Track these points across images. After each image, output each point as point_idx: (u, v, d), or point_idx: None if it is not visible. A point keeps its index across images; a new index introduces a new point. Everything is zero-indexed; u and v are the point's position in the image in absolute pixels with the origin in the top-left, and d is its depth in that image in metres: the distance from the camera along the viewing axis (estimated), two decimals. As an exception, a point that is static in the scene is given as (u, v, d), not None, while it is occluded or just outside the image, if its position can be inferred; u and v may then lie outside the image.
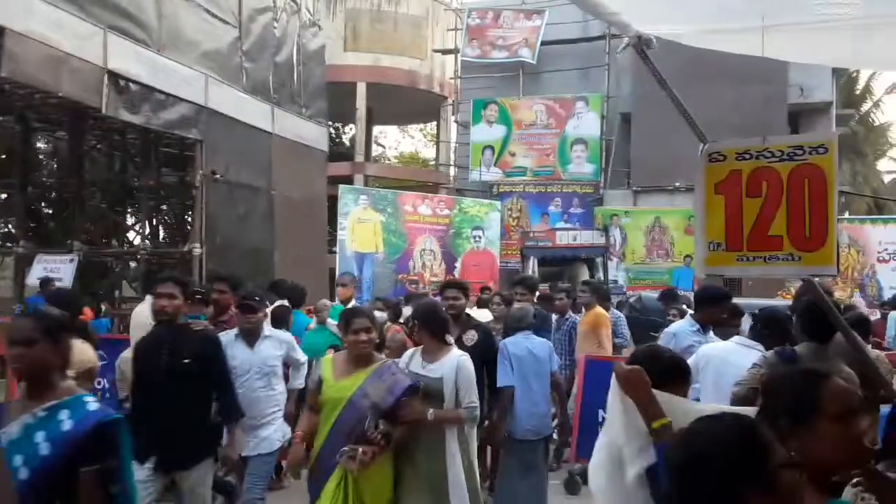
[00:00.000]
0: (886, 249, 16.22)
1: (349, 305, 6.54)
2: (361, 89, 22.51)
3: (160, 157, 13.78)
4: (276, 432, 4.59)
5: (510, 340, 5.13)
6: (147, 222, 15.04)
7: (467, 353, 3.94)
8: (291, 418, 4.73)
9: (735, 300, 5.44)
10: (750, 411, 1.87)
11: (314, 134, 16.15)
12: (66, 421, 2.25)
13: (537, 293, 7.19)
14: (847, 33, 2.51)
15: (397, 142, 45.45)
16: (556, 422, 5.60)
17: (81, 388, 2.50)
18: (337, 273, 12.50)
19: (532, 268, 14.98)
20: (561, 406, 5.68)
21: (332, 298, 8.20)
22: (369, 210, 15.22)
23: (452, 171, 23.77)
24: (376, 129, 30.99)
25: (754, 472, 1.49)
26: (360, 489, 3.42)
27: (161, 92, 11.26)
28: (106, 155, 15.52)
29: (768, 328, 3.97)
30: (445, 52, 22.99)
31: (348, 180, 20.47)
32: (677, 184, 16.86)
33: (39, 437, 2.22)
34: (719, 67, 13.46)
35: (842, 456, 1.74)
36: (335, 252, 15.34)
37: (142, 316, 6.13)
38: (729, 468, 1.50)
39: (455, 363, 3.78)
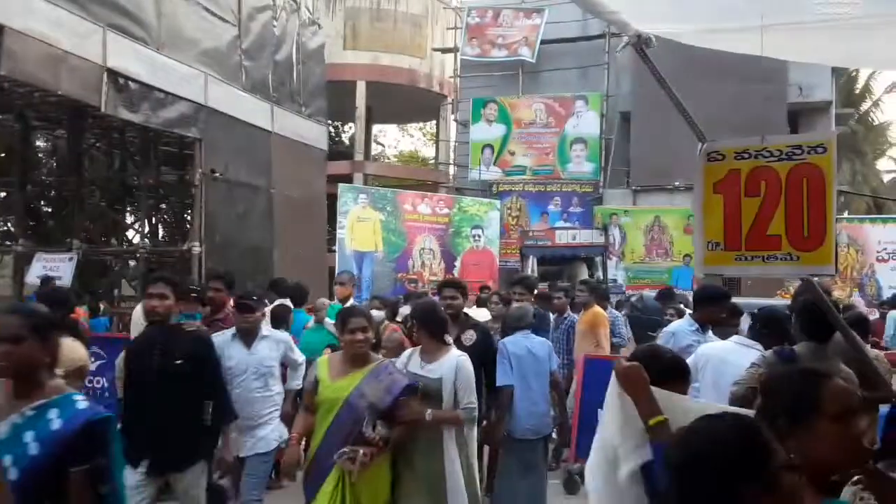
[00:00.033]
0: (885, 249, 16.22)
1: (347, 304, 6.52)
2: (361, 88, 22.50)
3: (159, 155, 13.75)
4: (272, 432, 4.55)
5: (509, 340, 5.13)
6: (146, 221, 15.01)
7: (466, 354, 3.91)
8: (288, 419, 4.70)
9: (734, 299, 5.44)
10: (751, 413, 1.88)
11: (314, 132, 16.14)
12: (55, 420, 2.21)
13: (535, 292, 7.19)
14: (846, 32, 2.50)
15: (397, 140, 45.44)
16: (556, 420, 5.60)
17: (72, 386, 2.48)
18: (336, 272, 12.48)
19: (531, 267, 14.99)
20: (560, 406, 5.69)
21: (331, 297, 8.19)
22: (369, 209, 15.21)
23: (452, 169, 23.76)
24: (376, 128, 30.98)
25: (754, 472, 1.50)
26: (358, 491, 3.40)
27: (160, 90, 11.25)
28: (105, 153, 15.50)
29: (767, 327, 3.97)
30: (445, 50, 22.98)
31: (348, 179, 20.46)
32: (677, 183, 16.86)
33: (28, 436, 2.19)
34: (719, 66, 13.44)
35: (840, 456, 1.75)
36: (335, 251, 15.33)
37: (142, 315, 6.15)
38: (728, 468, 1.50)
39: (454, 363, 3.75)
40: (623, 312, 9.04)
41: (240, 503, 4.60)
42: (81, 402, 2.29)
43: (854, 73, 25.13)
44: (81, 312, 7.89)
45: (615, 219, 17.19)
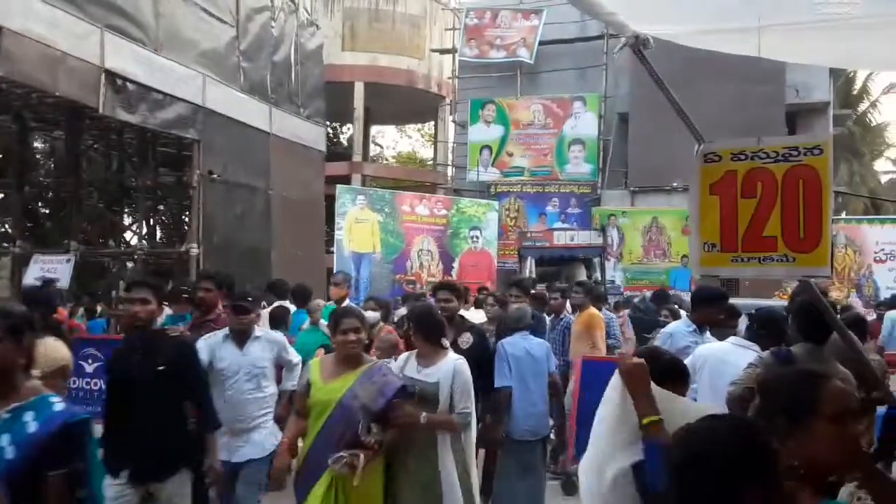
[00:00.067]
0: (883, 249, 16.23)
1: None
2: (359, 89, 22.51)
3: (157, 156, 13.76)
4: (267, 436, 4.41)
5: (508, 341, 5.13)
6: (144, 222, 15.02)
7: (464, 357, 3.85)
8: (282, 421, 4.55)
9: (732, 300, 5.44)
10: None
11: (312, 134, 16.15)
12: (31, 423, 2.15)
13: (531, 294, 7.18)
14: (844, 33, 2.50)
15: (395, 141, 45.39)
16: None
17: (55, 386, 2.44)
18: (334, 273, 12.47)
19: (529, 268, 14.97)
20: (558, 407, 5.68)
21: (328, 298, 8.18)
22: (367, 210, 15.19)
23: (450, 171, 23.77)
24: (374, 129, 30.99)
25: (753, 473, 1.50)
26: (350, 494, 3.33)
27: (158, 91, 11.26)
28: (103, 155, 15.51)
29: (764, 328, 3.96)
30: (443, 51, 22.99)
31: (346, 180, 20.46)
32: (675, 184, 16.86)
33: (4, 440, 2.13)
34: (717, 67, 13.45)
35: (838, 457, 1.75)
36: (333, 252, 15.32)
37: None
38: (728, 468, 1.51)
39: (452, 368, 3.69)
40: (626, 313, 9.07)
41: None
42: (58, 404, 2.23)
43: (852, 74, 25.17)
44: (63, 312, 7.84)
45: (613, 220, 17.19)
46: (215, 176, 12.38)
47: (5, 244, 15.31)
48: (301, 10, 15.80)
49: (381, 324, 6.01)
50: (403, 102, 24.86)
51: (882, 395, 3.38)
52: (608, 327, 7.47)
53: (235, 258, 12.29)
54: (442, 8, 24.05)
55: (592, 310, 7.25)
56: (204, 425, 3.78)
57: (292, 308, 7.26)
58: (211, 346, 4.36)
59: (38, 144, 17.10)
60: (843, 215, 20.48)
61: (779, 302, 8.37)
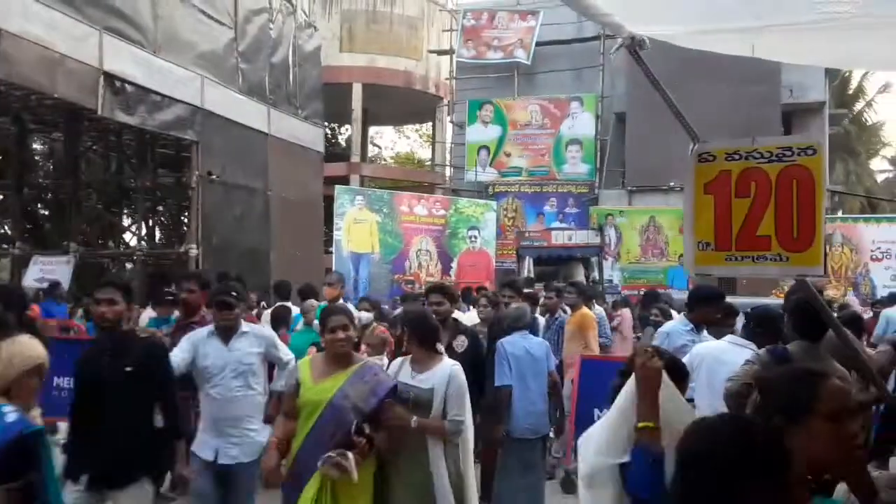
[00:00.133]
0: (879, 248, 16.27)
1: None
2: (357, 90, 22.52)
3: (156, 158, 13.76)
4: (258, 436, 4.16)
5: (507, 340, 5.14)
6: (143, 223, 15.03)
7: (459, 363, 3.74)
8: (273, 423, 4.28)
9: (729, 299, 5.47)
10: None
11: (310, 135, 16.16)
12: None
13: (523, 294, 7.22)
14: (840, 34, 2.51)
15: (393, 142, 45.54)
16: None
17: (32, 385, 2.36)
18: (333, 273, 12.49)
19: (528, 268, 15.01)
20: (559, 405, 5.71)
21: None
22: (365, 210, 15.21)
23: (448, 171, 23.78)
24: (372, 130, 30.99)
25: (753, 472, 1.52)
26: (340, 496, 3.26)
27: (157, 93, 11.27)
28: (102, 156, 15.51)
29: (761, 326, 4.00)
30: (441, 52, 23.01)
31: (344, 181, 20.47)
32: (672, 183, 16.88)
33: None
34: (713, 68, 13.50)
35: (834, 455, 1.77)
36: (331, 252, 15.34)
37: (141, 323, 6.14)
38: (727, 467, 1.52)
39: (447, 373, 3.58)
40: (625, 311, 9.11)
41: None
42: (11, 415, 2.15)
43: (847, 74, 25.24)
44: (37, 310, 7.80)
45: (611, 219, 17.22)
46: (214, 177, 12.39)
47: (5, 246, 15.32)
48: (299, 11, 15.82)
49: (374, 324, 5.98)
50: (401, 103, 24.87)
51: (879, 393, 3.40)
52: (599, 326, 7.53)
53: (234, 259, 12.29)
54: (439, 9, 24.06)
55: (585, 310, 7.31)
56: (169, 431, 3.60)
57: (295, 309, 7.27)
58: (194, 342, 4.18)
59: (37, 146, 17.10)
60: (840, 214, 20.52)
61: (776, 300, 8.40)
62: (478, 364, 4.78)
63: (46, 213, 17.40)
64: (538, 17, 19.91)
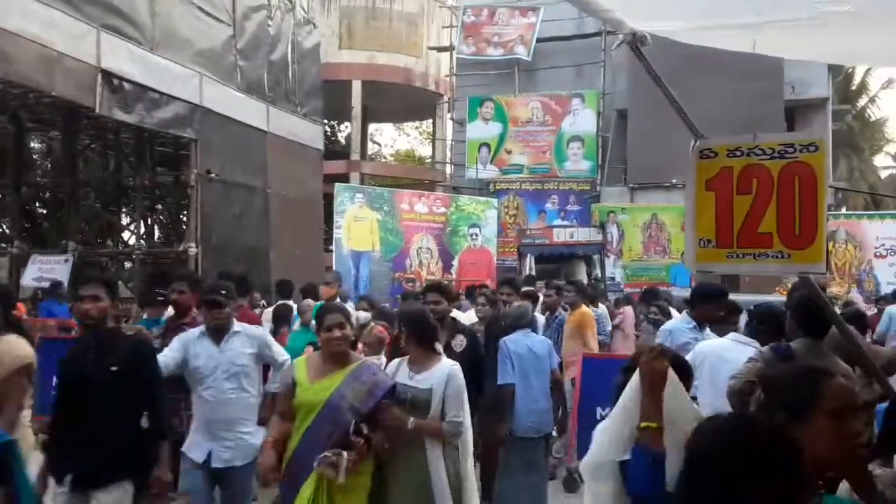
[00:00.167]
0: (883, 245, 16.26)
1: (334, 304, 6.35)
2: (357, 87, 22.50)
3: (155, 156, 13.74)
4: (252, 439, 4.08)
5: (510, 338, 5.13)
6: (142, 222, 14.99)
7: (458, 363, 3.69)
8: (267, 424, 4.22)
9: (732, 296, 5.44)
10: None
11: (310, 132, 16.12)
12: None
13: (521, 291, 7.21)
14: (843, 30, 2.50)
15: (393, 140, 45.46)
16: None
17: (20, 384, 2.31)
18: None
19: (529, 265, 14.98)
20: (561, 404, 5.69)
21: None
22: (365, 208, 15.19)
23: (449, 168, 23.76)
24: (372, 127, 31.00)
25: (756, 472, 1.50)
26: (336, 496, 3.24)
27: (155, 91, 11.23)
28: (100, 154, 15.48)
29: (764, 324, 3.97)
30: (441, 49, 22.98)
31: (344, 178, 20.46)
32: (674, 180, 16.84)
33: None
34: (715, 64, 13.44)
35: (837, 452, 1.75)
36: (331, 250, 15.32)
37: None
38: (728, 467, 1.51)
39: (446, 373, 3.53)
40: (627, 309, 9.11)
41: None
42: None
43: (850, 70, 25.19)
44: (23, 308, 7.77)
45: (613, 216, 17.20)
46: (213, 175, 12.36)
47: (3, 245, 15.32)
48: (298, 8, 15.77)
49: (373, 323, 5.96)
50: (401, 100, 24.86)
51: (883, 390, 3.38)
52: (599, 325, 7.55)
53: (234, 257, 12.28)
54: (439, 6, 24.04)
55: (584, 308, 7.35)
56: (153, 432, 3.53)
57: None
58: (185, 343, 4.10)
59: (34, 145, 17.09)
60: (844, 210, 20.49)
61: (779, 298, 8.37)
62: (477, 364, 4.73)
63: (44, 211, 17.38)
64: (539, 13, 19.86)
